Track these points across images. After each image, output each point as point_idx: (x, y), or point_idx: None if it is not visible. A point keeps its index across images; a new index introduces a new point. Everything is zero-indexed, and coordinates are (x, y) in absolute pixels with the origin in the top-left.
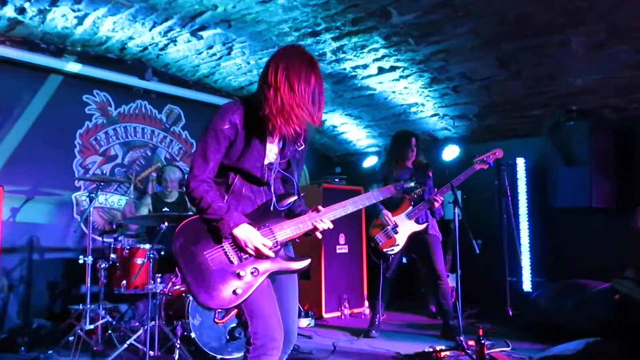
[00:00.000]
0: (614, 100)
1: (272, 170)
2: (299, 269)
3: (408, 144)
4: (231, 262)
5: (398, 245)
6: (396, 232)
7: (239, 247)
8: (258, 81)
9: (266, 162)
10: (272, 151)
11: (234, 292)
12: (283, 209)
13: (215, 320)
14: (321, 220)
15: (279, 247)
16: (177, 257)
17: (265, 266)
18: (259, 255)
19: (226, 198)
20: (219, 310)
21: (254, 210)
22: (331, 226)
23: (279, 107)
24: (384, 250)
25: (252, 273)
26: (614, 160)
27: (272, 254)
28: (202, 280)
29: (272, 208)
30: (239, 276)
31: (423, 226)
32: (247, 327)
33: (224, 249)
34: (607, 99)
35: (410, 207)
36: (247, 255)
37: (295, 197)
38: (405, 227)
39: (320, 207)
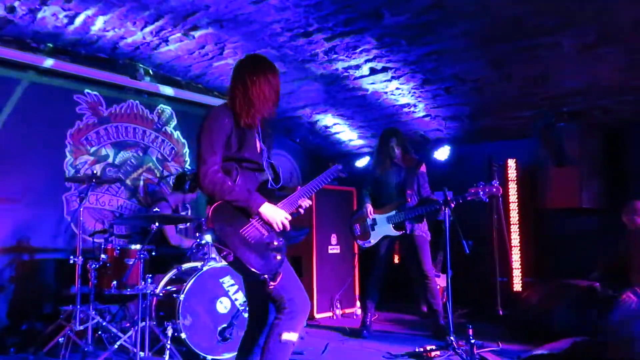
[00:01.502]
0: (604, 102)
1: (263, 156)
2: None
3: (387, 143)
4: (262, 234)
5: (370, 242)
6: (373, 229)
7: (264, 221)
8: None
9: (258, 150)
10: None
11: (276, 257)
12: (276, 188)
13: (272, 283)
14: (304, 199)
15: None
16: (222, 238)
17: (282, 237)
18: (282, 227)
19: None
20: (268, 275)
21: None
22: (310, 203)
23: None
24: (358, 241)
25: (280, 242)
26: (603, 162)
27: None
28: (250, 252)
29: (269, 191)
30: (274, 245)
31: (398, 233)
32: (281, 293)
33: (253, 225)
34: (597, 100)
35: (394, 212)
36: (271, 228)
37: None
38: (382, 227)
39: (299, 188)
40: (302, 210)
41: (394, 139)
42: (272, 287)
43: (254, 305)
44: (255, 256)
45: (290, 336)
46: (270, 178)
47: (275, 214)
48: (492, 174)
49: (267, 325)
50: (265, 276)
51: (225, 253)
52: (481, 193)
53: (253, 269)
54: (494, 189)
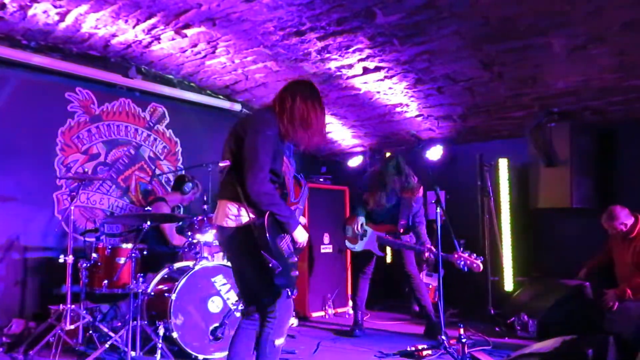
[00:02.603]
0: (594, 102)
1: (289, 172)
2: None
3: (388, 174)
4: (290, 250)
5: (355, 248)
6: (361, 239)
7: (292, 238)
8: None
9: (286, 166)
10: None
11: (296, 273)
12: (296, 202)
13: (292, 296)
14: (302, 218)
15: None
16: (272, 246)
17: (296, 254)
18: (297, 248)
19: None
20: (291, 289)
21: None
22: (305, 220)
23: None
24: (347, 242)
25: (296, 259)
26: (594, 162)
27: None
28: (282, 265)
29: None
30: (294, 262)
31: (381, 254)
32: (276, 303)
33: (286, 241)
34: (588, 101)
35: (384, 234)
36: (294, 246)
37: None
38: (369, 241)
39: (299, 206)
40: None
41: (395, 170)
42: (293, 297)
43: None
44: (284, 270)
45: (281, 340)
46: (292, 194)
47: (304, 235)
48: (483, 174)
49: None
50: (289, 290)
51: (273, 264)
52: (461, 262)
53: (282, 283)
54: (475, 265)
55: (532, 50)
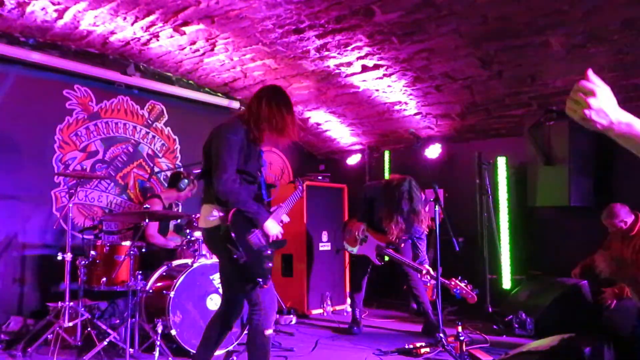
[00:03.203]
0: None
1: (262, 171)
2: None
3: (400, 195)
4: (262, 243)
5: (353, 251)
6: (360, 244)
7: (264, 232)
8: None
9: (258, 166)
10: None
11: (269, 264)
12: (268, 200)
13: (264, 286)
14: (285, 215)
15: None
16: (238, 241)
17: (272, 247)
18: (274, 241)
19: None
20: (263, 279)
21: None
22: (289, 219)
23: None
24: (345, 243)
25: (271, 252)
26: (592, 160)
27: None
28: (251, 258)
29: (261, 202)
30: (268, 254)
31: (378, 263)
32: (259, 295)
33: (256, 234)
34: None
35: (384, 244)
36: (267, 239)
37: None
38: (368, 248)
39: (282, 205)
40: (281, 224)
41: (408, 195)
42: (263, 288)
43: (230, 299)
44: (255, 262)
45: (270, 331)
46: (264, 191)
47: (275, 229)
48: (481, 173)
49: (248, 323)
50: (260, 280)
51: (237, 255)
52: (457, 290)
53: (254, 273)
54: (469, 296)
55: (530, 48)
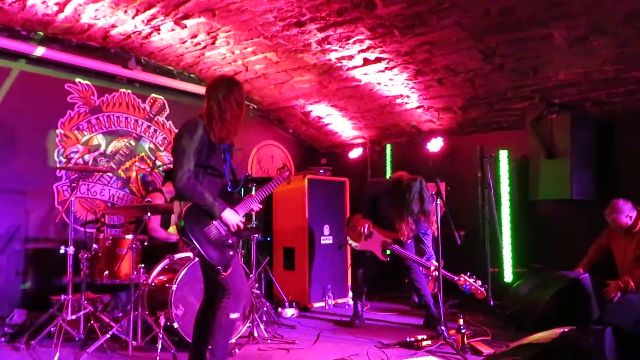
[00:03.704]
0: (595, 93)
1: (226, 164)
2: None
3: (410, 197)
4: (221, 233)
5: (358, 246)
6: (365, 239)
7: (223, 223)
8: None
9: (222, 159)
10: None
11: (229, 253)
12: (235, 191)
13: (223, 274)
14: (255, 204)
15: None
16: (190, 234)
17: (235, 236)
18: (237, 230)
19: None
20: (222, 266)
21: (219, 195)
22: (260, 207)
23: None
24: (349, 238)
25: (233, 241)
26: (594, 154)
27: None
28: (210, 248)
29: (228, 194)
30: (229, 243)
31: (383, 259)
32: (228, 281)
33: (215, 225)
34: (589, 92)
35: (391, 242)
36: (228, 229)
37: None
38: (373, 244)
39: (253, 194)
40: (253, 213)
41: (419, 196)
42: (223, 276)
43: (209, 288)
44: (214, 251)
45: (235, 315)
46: (229, 183)
47: (233, 218)
48: (483, 166)
49: (215, 305)
50: (219, 267)
51: (192, 247)
52: (466, 286)
53: (211, 261)
54: (479, 292)
55: (532, 41)
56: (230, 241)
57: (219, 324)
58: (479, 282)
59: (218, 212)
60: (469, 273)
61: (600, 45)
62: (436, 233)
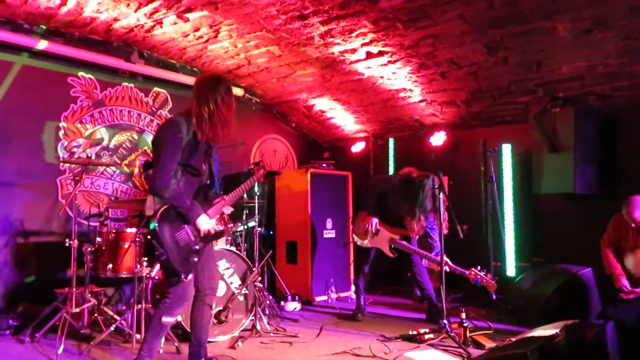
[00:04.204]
0: (599, 87)
1: (205, 164)
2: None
3: (424, 195)
4: (190, 239)
5: (363, 244)
6: (371, 237)
7: (195, 227)
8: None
9: (202, 159)
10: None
11: (194, 259)
12: (214, 194)
13: (185, 280)
14: (227, 206)
15: None
16: (161, 239)
17: (203, 241)
18: (206, 235)
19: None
20: (184, 273)
21: (195, 195)
22: (232, 210)
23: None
24: (354, 235)
25: (200, 246)
26: (598, 148)
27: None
28: (177, 253)
29: (204, 194)
30: (195, 249)
31: (391, 256)
32: (172, 287)
33: (186, 230)
34: (593, 86)
35: (398, 238)
36: (198, 234)
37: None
38: (380, 241)
39: (225, 197)
40: (225, 216)
41: (431, 193)
42: (185, 282)
43: (195, 280)
44: (180, 257)
45: (168, 319)
46: (208, 183)
47: (206, 225)
48: (486, 160)
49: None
50: (182, 274)
51: (160, 251)
52: (477, 280)
53: (175, 267)
54: (490, 284)
55: (536, 34)
56: (197, 247)
57: (152, 324)
58: (490, 276)
59: (194, 217)
60: (479, 267)
61: (604, 38)
62: (446, 231)
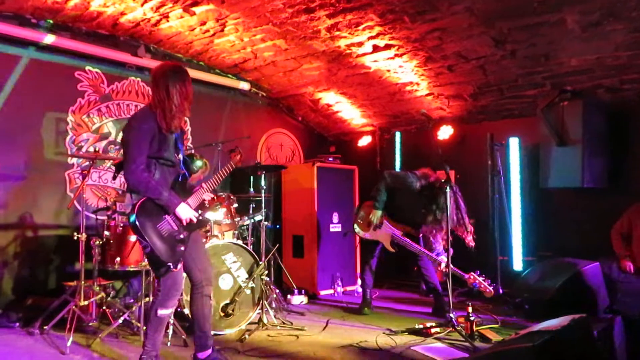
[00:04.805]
0: (608, 80)
1: (178, 154)
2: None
3: (443, 198)
4: (173, 229)
5: (366, 235)
6: (374, 229)
7: (176, 217)
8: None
9: (174, 149)
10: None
11: (180, 248)
12: (192, 184)
13: (173, 269)
14: (206, 193)
15: None
16: (143, 231)
17: (187, 230)
18: (189, 223)
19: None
20: (172, 263)
21: (172, 185)
22: (212, 196)
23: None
24: (356, 226)
25: (185, 235)
26: (606, 141)
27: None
28: (162, 244)
29: (181, 184)
30: (180, 238)
31: (392, 251)
32: (160, 280)
33: (167, 221)
34: (601, 79)
35: (401, 234)
36: (180, 223)
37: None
38: (383, 235)
39: (203, 185)
40: (206, 203)
41: (452, 201)
42: (174, 271)
43: (189, 273)
44: (165, 247)
45: (164, 311)
46: (183, 172)
47: (187, 213)
48: (493, 153)
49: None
50: (170, 264)
51: (144, 244)
52: (475, 284)
53: (163, 260)
54: (487, 290)
55: (545, 27)
56: (181, 236)
57: (150, 319)
58: (488, 281)
59: (173, 206)
60: (478, 272)
61: (613, 30)
62: (472, 244)
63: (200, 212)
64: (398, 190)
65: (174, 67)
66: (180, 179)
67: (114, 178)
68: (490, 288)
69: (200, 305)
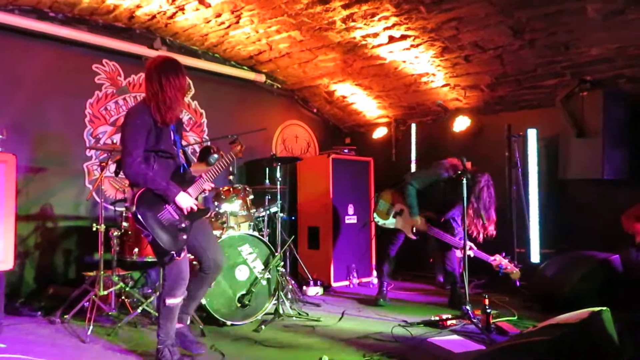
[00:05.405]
0: (630, 70)
1: (176, 146)
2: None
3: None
4: (175, 218)
5: (384, 223)
6: (394, 217)
7: (177, 206)
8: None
9: (172, 141)
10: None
11: (182, 237)
12: (191, 174)
13: (177, 258)
14: (207, 182)
15: None
16: (144, 221)
17: (189, 219)
18: (190, 212)
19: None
20: (176, 252)
21: (172, 176)
22: (212, 186)
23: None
24: (375, 214)
25: (186, 224)
26: (627, 132)
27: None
28: (163, 234)
29: (181, 175)
30: (182, 227)
31: (413, 238)
32: (165, 269)
33: (168, 210)
34: (623, 68)
35: (425, 220)
36: (181, 212)
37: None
38: (403, 222)
39: (203, 175)
40: (206, 192)
41: (486, 194)
42: (177, 260)
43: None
44: (167, 236)
45: (173, 300)
46: (182, 164)
47: (187, 201)
48: (511, 145)
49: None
50: (173, 252)
51: (146, 233)
52: (502, 267)
53: (164, 247)
54: (514, 272)
55: (565, 15)
56: (183, 225)
57: (159, 309)
58: (513, 263)
59: (172, 195)
60: (504, 253)
61: (636, 18)
62: (494, 232)
63: (216, 203)
64: (441, 182)
65: (167, 60)
66: (181, 171)
67: (117, 175)
68: (517, 269)
69: (199, 286)
